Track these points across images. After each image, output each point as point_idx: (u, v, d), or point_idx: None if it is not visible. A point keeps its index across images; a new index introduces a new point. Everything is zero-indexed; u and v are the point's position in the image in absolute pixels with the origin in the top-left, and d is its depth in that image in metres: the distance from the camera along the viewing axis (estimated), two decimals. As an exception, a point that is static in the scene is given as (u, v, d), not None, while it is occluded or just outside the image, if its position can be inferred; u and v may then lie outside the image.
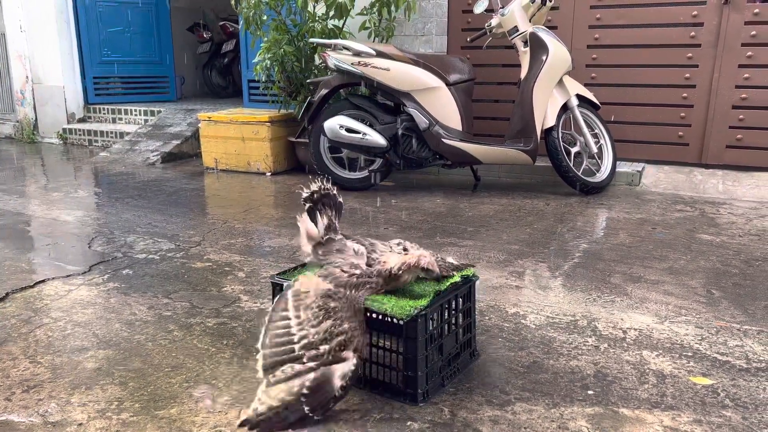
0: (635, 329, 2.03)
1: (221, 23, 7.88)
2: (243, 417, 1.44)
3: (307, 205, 1.79)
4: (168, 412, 1.55)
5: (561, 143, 3.86)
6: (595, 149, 3.99)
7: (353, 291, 1.57)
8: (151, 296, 2.32)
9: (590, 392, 1.64)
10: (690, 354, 1.86)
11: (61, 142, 6.63)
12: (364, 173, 4.17)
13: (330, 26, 4.59)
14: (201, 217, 3.53)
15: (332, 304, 1.53)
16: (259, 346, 1.51)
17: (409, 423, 1.51)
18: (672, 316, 2.14)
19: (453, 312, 1.73)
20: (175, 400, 1.61)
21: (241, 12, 4.62)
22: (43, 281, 2.47)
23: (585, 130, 3.97)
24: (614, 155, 4.07)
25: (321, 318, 1.51)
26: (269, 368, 1.48)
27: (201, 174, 4.89)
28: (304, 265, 1.85)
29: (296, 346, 1.48)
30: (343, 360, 1.46)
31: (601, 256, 2.79)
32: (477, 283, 1.83)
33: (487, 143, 3.97)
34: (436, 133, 3.90)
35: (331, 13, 4.47)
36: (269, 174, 4.78)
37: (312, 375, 1.44)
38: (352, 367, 1.45)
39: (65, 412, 1.56)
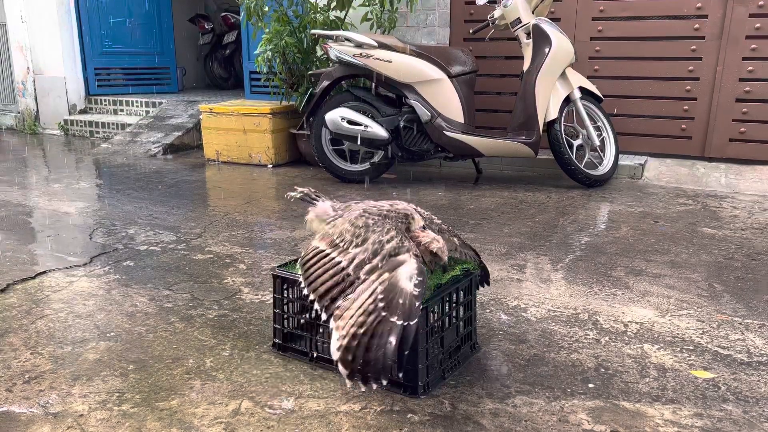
0: (636, 323, 2.03)
1: (223, 14, 7.85)
2: (340, 365, 1.27)
3: (300, 194, 1.77)
4: (169, 403, 1.56)
5: (563, 136, 3.85)
6: (597, 142, 3.97)
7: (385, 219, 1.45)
8: (152, 288, 2.32)
9: (591, 385, 1.64)
10: (691, 347, 1.86)
11: (63, 133, 6.62)
12: (366, 165, 4.16)
13: (332, 17, 4.57)
14: (202, 209, 3.53)
15: (370, 221, 1.43)
16: (306, 291, 1.41)
17: (409, 415, 1.51)
18: (673, 309, 2.14)
19: (454, 305, 1.73)
20: (176, 391, 1.61)
21: (243, 3, 4.60)
22: (44, 272, 2.47)
23: (587, 122, 3.95)
24: (617, 148, 4.06)
25: (362, 235, 1.41)
26: (327, 305, 1.35)
27: (202, 166, 4.88)
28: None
29: (349, 269, 1.37)
30: (401, 263, 1.34)
31: (603, 249, 2.79)
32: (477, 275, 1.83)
33: (489, 136, 3.96)
34: (438, 126, 3.89)
35: (333, 4, 4.45)
36: (271, 166, 4.77)
37: (380, 286, 1.32)
38: (415, 264, 1.33)
39: (66, 403, 1.56)
